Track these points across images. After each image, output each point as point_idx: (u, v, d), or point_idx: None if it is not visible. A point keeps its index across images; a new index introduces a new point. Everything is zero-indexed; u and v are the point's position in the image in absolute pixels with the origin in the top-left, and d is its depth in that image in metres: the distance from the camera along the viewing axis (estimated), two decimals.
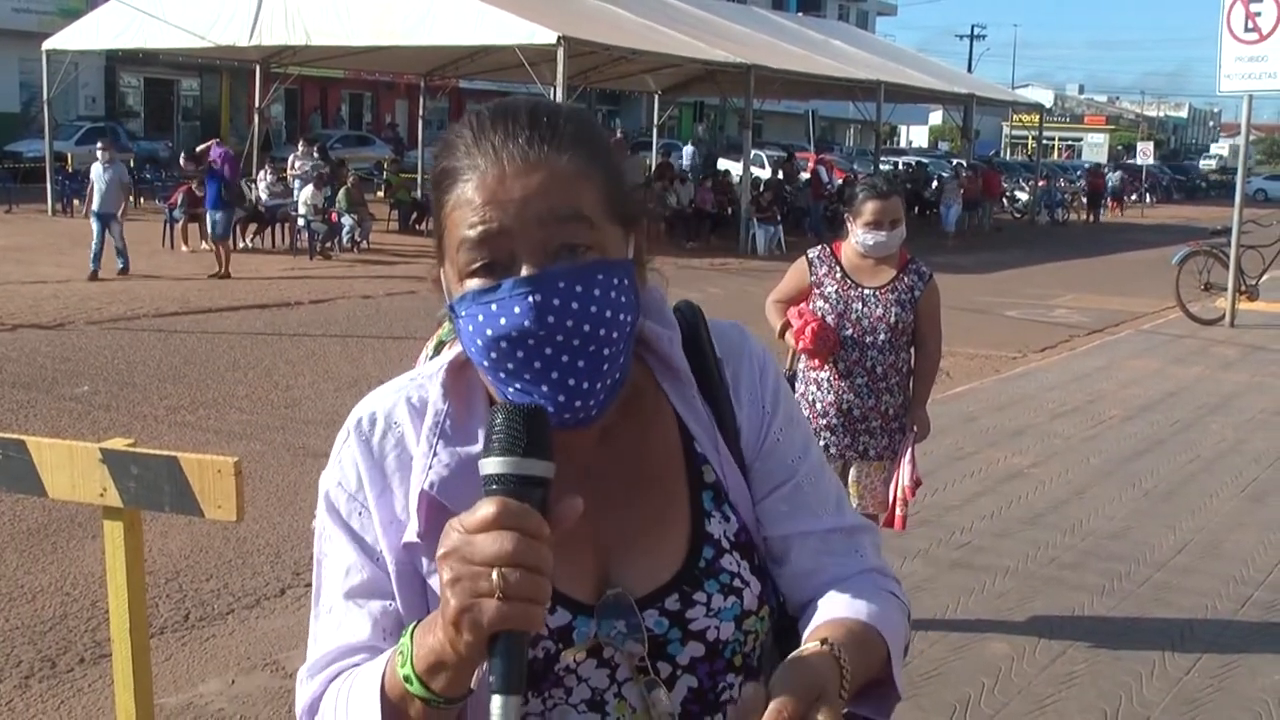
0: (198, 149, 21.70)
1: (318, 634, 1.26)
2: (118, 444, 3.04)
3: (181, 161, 24.35)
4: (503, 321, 1.17)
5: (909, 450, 4.64)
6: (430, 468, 1.23)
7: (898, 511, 4.65)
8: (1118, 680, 4.39)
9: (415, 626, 1.12)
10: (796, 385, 4.74)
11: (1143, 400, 9.52)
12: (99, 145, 17.00)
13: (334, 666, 1.22)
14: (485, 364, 1.21)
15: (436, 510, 1.20)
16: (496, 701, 1.03)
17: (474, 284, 1.20)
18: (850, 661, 1.16)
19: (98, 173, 16.29)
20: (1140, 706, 4.21)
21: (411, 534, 1.22)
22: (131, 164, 26.74)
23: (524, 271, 1.17)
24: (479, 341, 1.20)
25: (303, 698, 1.24)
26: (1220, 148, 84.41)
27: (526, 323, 1.16)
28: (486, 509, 1.03)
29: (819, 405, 4.64)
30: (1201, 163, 71.91)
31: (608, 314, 1.19)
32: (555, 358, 1.18)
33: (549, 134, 1.21)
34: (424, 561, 1.23)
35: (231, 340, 11.21)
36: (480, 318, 1.19)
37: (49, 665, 4.46)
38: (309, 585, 5.17)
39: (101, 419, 7.98)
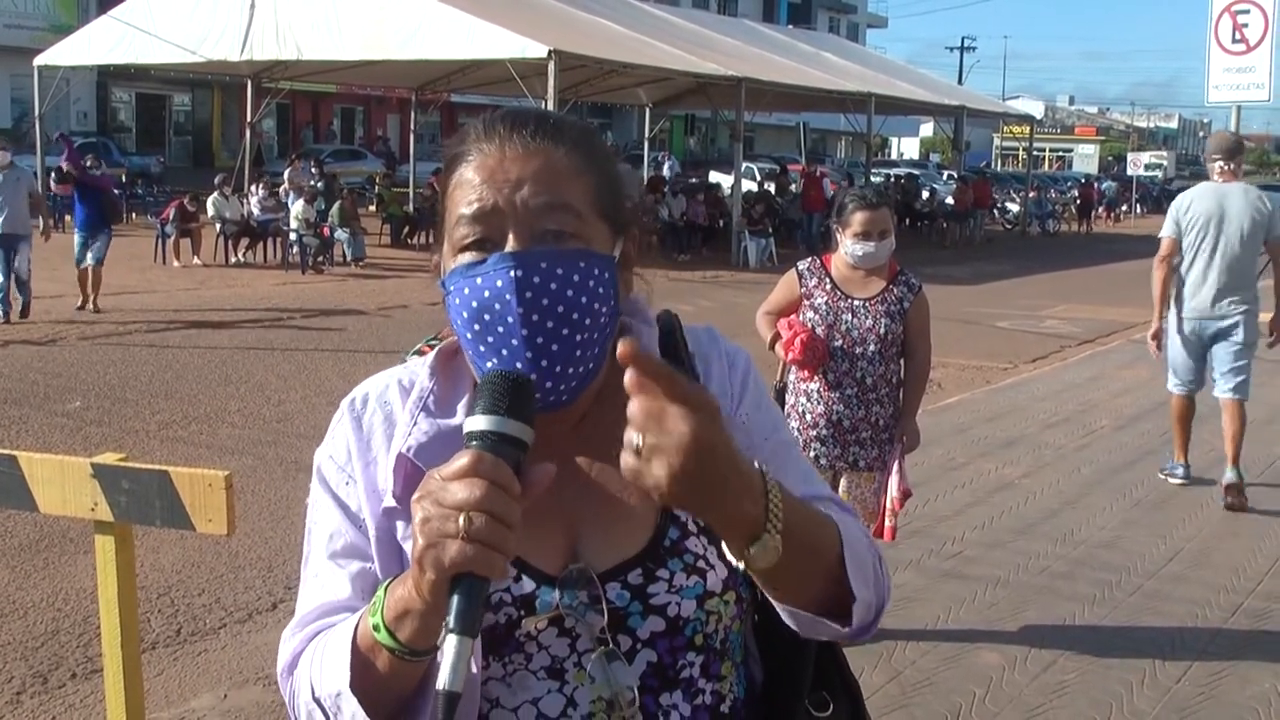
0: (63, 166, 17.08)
1: (303, 596, 1.32)
2: (109, 459, 3.05)
3: (54, 185, 20.78)
4: (486, 294, 1.24)
5: (898, 461, 4.66)
6: (410, 434, 1.29)
7: (887, 522, 4.66)
8: (1109, 689, 4.40)
9: (390, 581, 1.17)
10: (787, 397, 4.75)
11: (1134, 410, 9.54)
12: None
13: (315, 625, 1.29)
14: (469, 336, 1.27)
15: (413, 475, 1.24)
16: (451, 641, 1.06)
17: (465, 258, 1.26)
18: (784, 498, 1.16)
19: None
20: (1131, 715, 4.21)
21: (389, 497, 1.27)
22: (124, 178, 26.83)
23: (510, 248, 1.24)
24: (464, 314, 1.26)
25: (284, 655, 1.31)
26: (1159, 155, 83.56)
27: (507, 296, 1.22)
28: (463, 459, 1.08)
29: (809, 416, 4.65)
30: (1144, 173, 71.12)
31: (583, 300, 1.24)
32: (530, 337, 1.23)
33: (552, 131, 1.30)
34: (400, 526, 1.28)
35: (223, 355, 11.21)
36: (466, 290, 1.25)
37: (40, 681, 4.46)
38: None
39: (93, 434, 7.97)
